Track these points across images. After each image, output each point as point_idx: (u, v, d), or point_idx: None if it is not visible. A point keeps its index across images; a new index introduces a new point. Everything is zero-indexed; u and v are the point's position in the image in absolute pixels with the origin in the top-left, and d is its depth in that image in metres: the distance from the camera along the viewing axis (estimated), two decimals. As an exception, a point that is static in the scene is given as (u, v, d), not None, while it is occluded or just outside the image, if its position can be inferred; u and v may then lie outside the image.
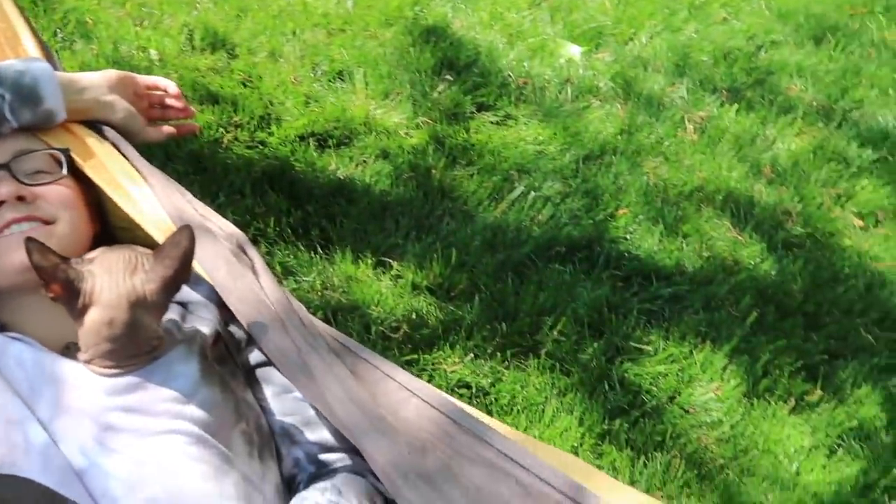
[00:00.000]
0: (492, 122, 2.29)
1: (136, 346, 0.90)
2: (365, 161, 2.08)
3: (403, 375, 0.99)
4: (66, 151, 1.05)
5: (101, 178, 1.05)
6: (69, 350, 0.93)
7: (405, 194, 2.02)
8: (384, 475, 0.85)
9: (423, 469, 0.85)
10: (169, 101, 1.27)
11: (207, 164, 1.94)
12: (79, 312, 0.90)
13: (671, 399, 1.77)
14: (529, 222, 2.03)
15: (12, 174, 1.01)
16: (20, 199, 0.99)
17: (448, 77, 2.37)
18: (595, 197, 2.11)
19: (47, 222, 1.00)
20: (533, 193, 2.08)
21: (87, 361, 0.91)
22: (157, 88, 1.25)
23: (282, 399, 1.00)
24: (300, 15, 2.47)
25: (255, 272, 0.99)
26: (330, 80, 2.29)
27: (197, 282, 1.03)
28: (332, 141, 2.11)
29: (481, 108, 2.33)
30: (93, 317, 0.89)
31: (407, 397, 0.95)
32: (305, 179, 1.99)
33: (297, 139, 2.08)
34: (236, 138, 2.04)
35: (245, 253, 1.03)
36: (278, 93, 2.19)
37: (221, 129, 2.04)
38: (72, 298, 0.90)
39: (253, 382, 1.01)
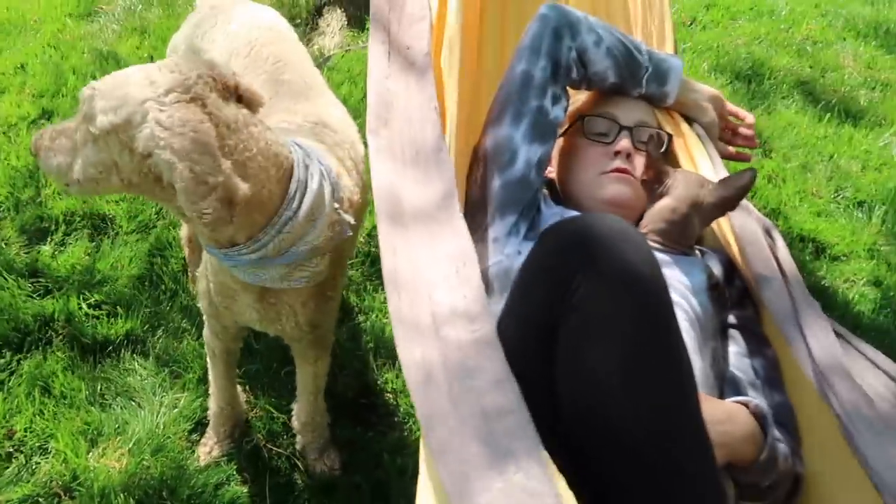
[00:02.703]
0: None
1: (681, 236, 1.19)
2: (854, 281, 2.13)
3: (880, 357, 1.06)
4: (670, 136, 1.40)
5: (685, 158, 1.37)
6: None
7: (883, 324, 2.01)
8: (845, 417, 0.89)
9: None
10: (742, 130, 1.55)
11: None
12: (656, 197, 1.23)
13: None
14: None
15: (632, 137, 1.34)
16: (628, 156, 1.31)
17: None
18: None
19: (633, 177, 1.33)
20: None
21: (644, 234, 1.21)
22: (737, 116, 1.54)
23: (739, 358, 1.17)
24: (843, 144, 2.61)
25: (774, 247, 1.19)
26: (849, 206, 2.38)
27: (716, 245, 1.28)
28: (829, 252, 2.21)
29: None
30: (663, 203, 1.21)
31: (875, 372, 1.02)
32: (791, 272, 2.12)
33: (798, 240, 2.22)
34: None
35: (769, 235, 1.24)
36: (794, 198, 2.36)
37: (734, 206, 2.30)
38: (655, 184, 1.23)
39: (723, 338, 1.21)
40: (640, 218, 1.27)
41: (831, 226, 2.28)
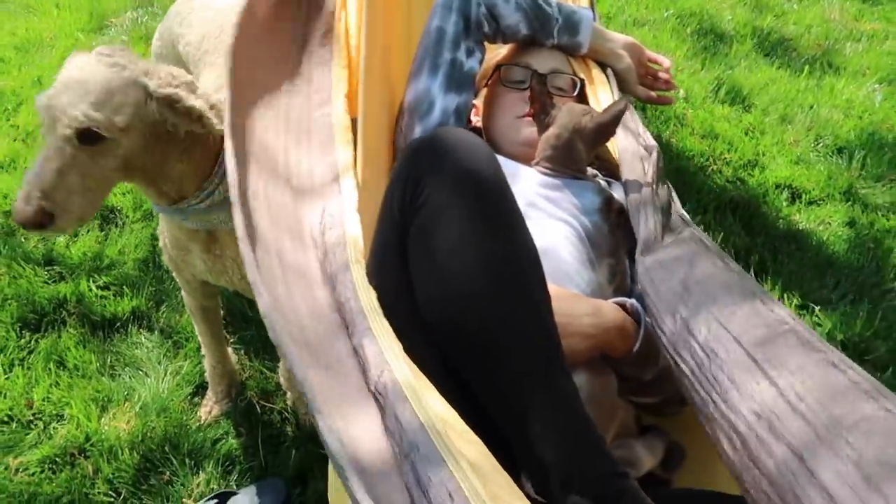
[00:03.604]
0: None
1: (567, 160, 1.26)
2: (829, 223, 2.18)
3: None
4: (581, 80, 1.49)
5: (592, 98, 1.47)
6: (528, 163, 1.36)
7: (856, 262, 2.07)
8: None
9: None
10: (661, 75, 1.63)
11: (688, 180, 2.28)
12: (543, 127, 1.32)
13: None
14: None
15: (546, 83, 1.47)
16: None
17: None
18: None
19: None
20: None
21: (536, 163, 1.31)
22: (656, 62, 1.63)
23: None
24: (824, 94, 2.66)
25: (645, 171, 1.28)
26: (829, 154, 2.43)
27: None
28: (805, 197, 2.26)
29: (982, 219, 2.22)
30: (549, 132, 1.30)
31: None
32: (766, 218, 2.18)
33: (774, 187, 2.28)
34: (720, 170, 2.34)
35: (648, 157, 1.32)
36: (773, 149, 2.42)
37: (711, 159, 2.36)
38: (541, 115, 1.32)
39: (632, 258, 1.29)
40: None
41: (809, 172, 2.33)
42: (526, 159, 1.34)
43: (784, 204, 2.24)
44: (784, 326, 0.79)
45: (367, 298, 0.85)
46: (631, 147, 1.27)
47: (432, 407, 0.72)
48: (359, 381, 0.78)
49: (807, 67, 2.82)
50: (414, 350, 0.82)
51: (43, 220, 1.02)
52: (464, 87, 1.40)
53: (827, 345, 0.76)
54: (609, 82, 1.49)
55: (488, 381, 0.82)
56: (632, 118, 1.38)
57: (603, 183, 1.31)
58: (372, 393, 0.77)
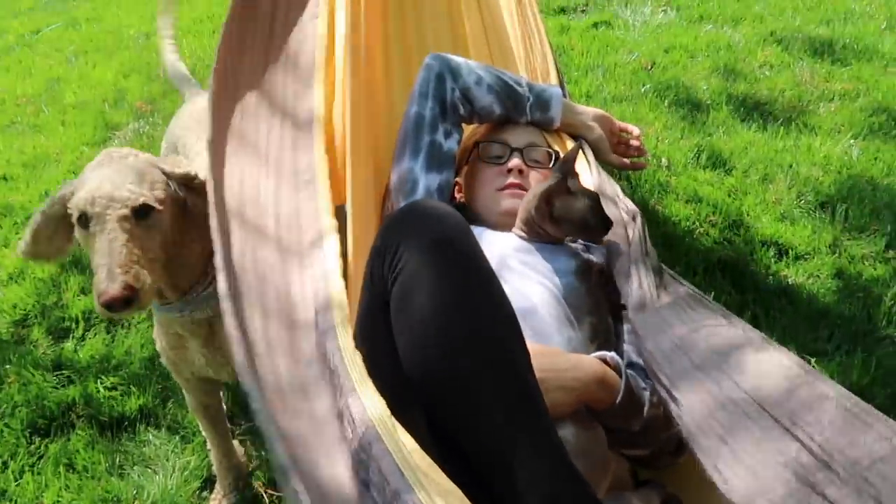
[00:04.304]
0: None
1: (539, 226, 1.30)
2: (818, 276, 2.22)
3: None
4: (556, 153, 1.57)
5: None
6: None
7: (848, 312, 2.09)
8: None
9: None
10: (632, 142, 1.71)
11: (675, 244, 2.34)
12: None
13: None
14: (983, 372, 1.91)
15: (523, 157, 1.54)
16: (521, 172, 1.51)
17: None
18: None
19: (527, 191, 1.50)
20: None
21: (515, 228, 1.36)
22: (626, 131, 1.71)
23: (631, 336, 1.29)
24: (802, 154, 2.74)
25: (627, 235, 1.32)
26: (811, 209, 2.49)
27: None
28: (792, 253, 2.31)
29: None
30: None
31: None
32: (756, 275, 2.23)
33: (761, 245, 2.34)
34: (707, 233, 2.40)
35: (633, 222, 1.37)
36: (756, 209, 2.49)
37: (697, 223, 2.43)
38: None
39: (616, 317, 1.32)
40: None
41: (794, 228, 2.39)
42: (508, 228, 1.41)
43: (772, 260, 2.29)
44: (799, 379, 0.82)
45: (351, 361, 0.89)
46: (611, 210, 1.33)
47: (416, 462, 0.75)
48: (339, 433, 0.82)
49: (782, 129, 2.92)
50: (400, 410, 0.85)
51: (130, 295, 1.08)
52: (444, 166, 1.48)
53: (837, 388, 0.79)
54: (584, 152, 1.57)
55: (473, 438, 0.86)
56: (609, 184, 1.45)
57: (579, 246, 1.37)
58: (354, 448, 0.80)
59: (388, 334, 0.92)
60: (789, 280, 2.22)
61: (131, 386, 2.03)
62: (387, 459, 0.74)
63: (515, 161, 1.48)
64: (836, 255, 2.29)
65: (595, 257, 1.33)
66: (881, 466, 0.66)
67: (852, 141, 2.83)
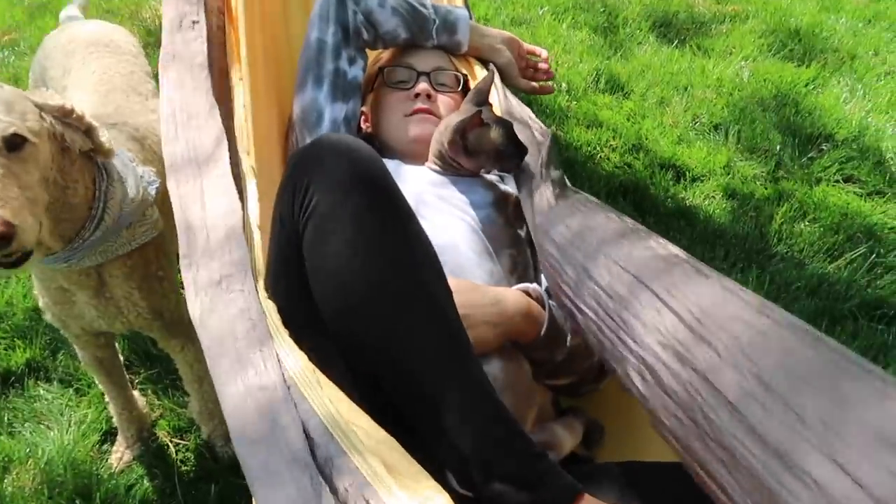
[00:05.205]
0: (855, 194, 2.33)
1: (453, 160, 1.27)
2: (713, 197, 2.29)
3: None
4: (464, 76, 1.52)
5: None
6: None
7: (742, 231, 2.18)
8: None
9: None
10: (541, 65, 1.68)
11: (578, 169, 2.35)
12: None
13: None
14: (863, 282, 2.03)
15: (430, 81, 1.49)
16: (429, 96, 1.46)
17: (823, 147, 2.47)
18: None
19: (436, 116, 1.46)
20: (875, 258, 2.08)
21: (428, 162, 1.32)
22: (534, 54, 1.68)
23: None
24: (697, 76, 2.79)
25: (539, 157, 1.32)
26: (706, 132, 2.55)
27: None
28: (689, 175, 2.36)
29: (848, 179, 2.38)
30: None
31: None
32: (655, 198, 2.27)
33: (659, 168, 2.38)
34: (608, 157, 2.42)
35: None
36: (655, 132, 2.52)
37: (598, 148, 2.44)
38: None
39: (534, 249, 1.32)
40: None
41: (690, 150, 2.44)
42: (419, 157, 1.35)
43: (671, 183, 2.34)
44: (678, 259, 0.81)
45: (267, 310, 0.84)
46: (524, 135, 1.29)
47: (344, 415, 0.72)
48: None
49: (678, 52, 2.96)
50: (318, 355, 0.81)
51: (7, 231, 0.95)
52: (350, 96, 1.40)
53: (717, 272, 0.79)
54: (496, 78, 1.52)
55: (397, 382, 0.82)
56: (519, 108, 1.41)
57: (494, 178, 1.34)
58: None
59: (302, 280, 0.86)
60: (687, 202, 2.27)
61: (15, 339, 1.88)
62: (314, 420, 0.70)
63: (422, 85, 1.43)
64: (730, 176, 2.36)
65: (511, 188, 1.30)
66: (760, 340, 0.64)
67: (743, 62, 2.90)
